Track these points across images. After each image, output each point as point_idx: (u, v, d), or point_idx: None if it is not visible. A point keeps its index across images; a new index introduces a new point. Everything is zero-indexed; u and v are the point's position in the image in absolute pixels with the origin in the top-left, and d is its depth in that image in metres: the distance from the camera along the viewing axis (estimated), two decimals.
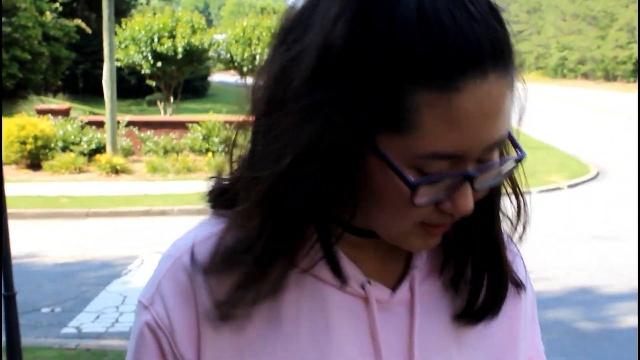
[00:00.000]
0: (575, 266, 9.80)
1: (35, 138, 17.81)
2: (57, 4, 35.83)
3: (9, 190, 11.09)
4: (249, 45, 24.89)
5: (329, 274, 1.02)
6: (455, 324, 1.11)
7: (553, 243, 11.29)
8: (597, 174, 19.14)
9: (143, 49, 22.77)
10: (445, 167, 0.93)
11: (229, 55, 25.18)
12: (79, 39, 34.20)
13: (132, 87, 35.18)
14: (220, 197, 1.06)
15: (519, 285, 1.16)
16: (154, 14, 24.24)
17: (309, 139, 0.91)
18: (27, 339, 6.45)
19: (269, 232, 0.96)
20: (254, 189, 0.96)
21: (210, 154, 18.21)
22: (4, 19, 25.72)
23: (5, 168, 15.94)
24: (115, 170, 17.55)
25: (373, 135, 0.92)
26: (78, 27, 34.69)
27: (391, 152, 0.92)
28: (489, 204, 1.07)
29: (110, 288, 8.84)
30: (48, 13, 32.04)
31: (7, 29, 26.68)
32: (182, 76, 23.17)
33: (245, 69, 25.01)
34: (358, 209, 1.00)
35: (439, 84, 0.88)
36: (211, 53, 25.20)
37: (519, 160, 1.02)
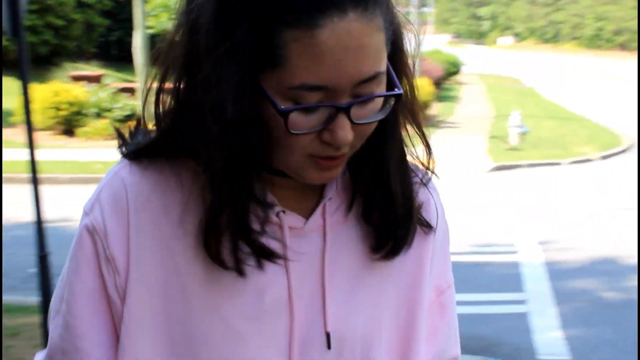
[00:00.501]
0: (602, 237, 9.84)
1: (70, 104, 18.04)
2: None
3: (44, 155, 11.31)
4: None
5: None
6: (366, 253, 1.21)
7: (582, 213, 11.32)
8: (630, 145, 19.05)
9: (174, 16, 22.91)
10: (318, 99, 1.05)
11: None
12: (112, 5, 34.38)
13: None
14: (146, 149, 1.21)
15: (426, 226, 1.26)
16: None
17: (220, 90, 1.05)
18: None
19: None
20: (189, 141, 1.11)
21: None
22: None
23: (40, 134, 16.17)
24: None
25: (256, 75, 1.05)
26: None
27: (270, 87, 1.05)
28: (380, 144, 1.17)
29: None
30: None
31: None
32: None
33: None
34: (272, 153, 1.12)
35: (302, 22, 1.01)
36: None
37: (397, 96, 1.11)
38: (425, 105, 24.06)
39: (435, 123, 23.85)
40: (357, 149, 1.14)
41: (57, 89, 18.25)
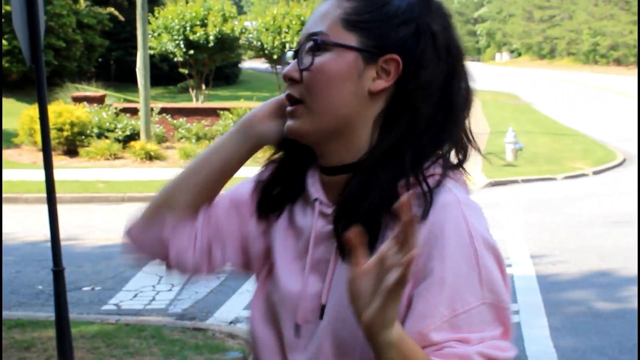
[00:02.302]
0: (594, 250, 10.10)
1: (72, 125, 18.34)
2: None
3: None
4: (279, 33, 25.24)
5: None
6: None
7: (575, 227, 11.59)
8: (624, 160, 19.34)
9: (176, 37, 23.23)
10: None
11: (259, 43, 25.53)
12: (112, 26, 34.73)
13: (164, 74, 35.66)
14: None
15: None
16: (187, 2, 24.65)
17: None
18: (70, 315, 6.89)
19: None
20: None
21: None
22: None
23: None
24: (149, 157, 18.04)
25: None
26: (111, 14, 35.20)
27: None
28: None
29: (147, 269, 9.26)
30: (82, 1, 32.56)
31: None
32: (214, 64, 23.61)
33: (275, 56, 25.35)
34: None
35: None
36: (242, 41, 25.54)
37: (313, 47, 1.44)
38: None
39: None
40: (315, 110, 1.42)
41: (59, 110, 18.55)
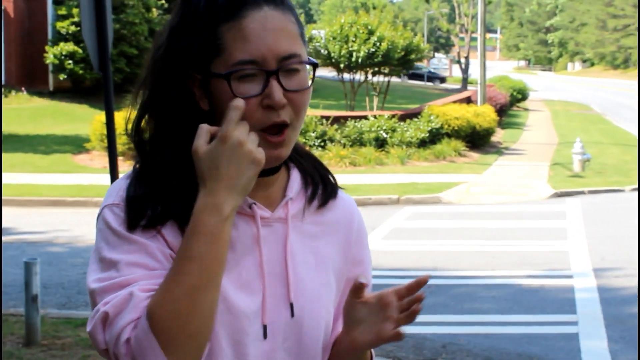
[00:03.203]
0: None
1: None
2: (163, 1, 37.05)
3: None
4: (346, 42, 25.38)
5: None
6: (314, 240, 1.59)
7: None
8: None
9: None
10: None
11: (326, 52, 25.71)
12: None
13: None
14: None
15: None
16: None
17: (169, 92, 1.49)
18: None
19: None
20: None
21: (307, 148, 18.79)
22: (113, 16, 26.82)
23: None
24: None
25: (208, 65, 1.46)
26: None
27: (218, 70, 1.44)
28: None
29: None
30: (154, 10, 33.19)
31: (115, 26, 27.81)
32: None
33: (342, 65, 25.50)
34: None
35: (231, 16, 1.44)
36: (309, 49, 25.69)
37: (313, 65, 1.50)
38: (488, 132, 24.21)
39: (499, 150, 23.99)
40: (297, 130, 1.48)
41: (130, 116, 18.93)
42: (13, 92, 29.47)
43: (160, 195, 1.46)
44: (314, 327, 1.55)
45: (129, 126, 1.57)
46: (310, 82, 1.49)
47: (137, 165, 1.52)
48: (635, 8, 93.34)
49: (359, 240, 1.68)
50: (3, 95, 29.01)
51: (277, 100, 1.43)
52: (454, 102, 26.89)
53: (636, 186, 17.07)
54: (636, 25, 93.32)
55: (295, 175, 1.59)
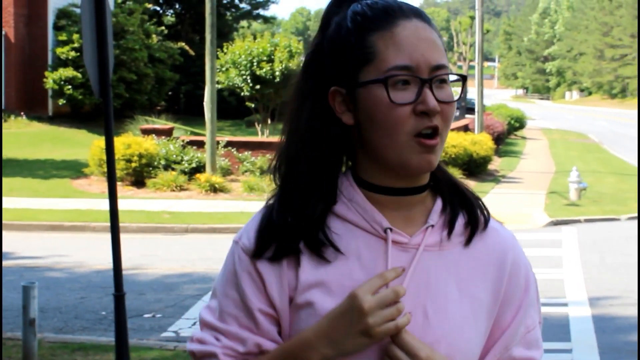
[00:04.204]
0: None
1: (140, 156, 18.80)
2: (163, 27, 37.27)
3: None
4: None
5: (361, 219, 1.51)
6: (455, 276, 1.52)
7: (635, 269, 11.47)
8: None
9: (243, 72, 23.65)
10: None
11: None
12: (182, 61, 35.50)
13: (232, 108, 36.22)
14: None
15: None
16: (254, 38, 25.12)
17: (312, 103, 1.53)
18: (131, 340, 7.12)
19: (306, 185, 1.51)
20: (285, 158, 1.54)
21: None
22: (113, 42, 27.01)
23: None
24: (214, 189, 18.37)
25: (357, 74, 1.48)
26: (182, 49, 36.01)
27: (369, 78, 1.46)
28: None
29: (206, 298, 9.49)
30: (154, 36, 33.40)
31: (115, 51, 27.97)
32: (280, 98, 23.96)
33: None
34: (367, 149, 1.50)
35: (381, 26, 1.48)
36: None
37: (464, 78, 1.53)
38: (485, 160, 24.30)
39: (496, 178, 24.07)
40: (444, 142, 1.48)
41: (129, 142, 19.04)
42: (12, 117, 29.57)
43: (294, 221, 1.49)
44: (448, 358, 1.47)
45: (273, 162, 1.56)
46: (458, 96, 1.51)
47: (270, 201, 1.55)
48: (633, 38, 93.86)
49: (514, 279, 1.57)
50: (2, 120, 29.10)
51: (432, 106, 1.44)
52: (451, 129, 26.99)
53: (633, 215, 17.14)
54: (633, 55, 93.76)
55: (439, 203, 1.55)
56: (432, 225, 1.52)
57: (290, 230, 1.49)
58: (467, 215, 1.55)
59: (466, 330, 1.49)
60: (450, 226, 1.53)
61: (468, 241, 1.54)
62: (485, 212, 1.58)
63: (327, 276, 1.48)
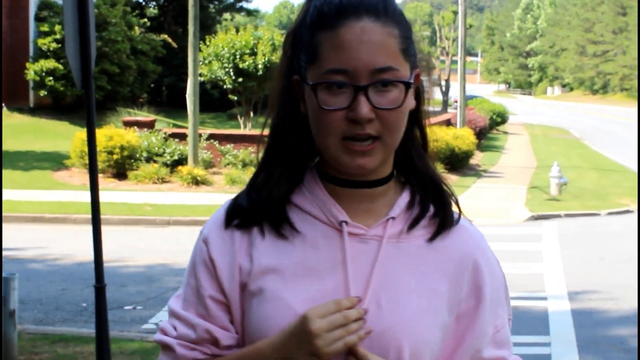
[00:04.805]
0: (632, 287, 10.07)
1: (122, 148, 18.75)
2: (146, 19, 37.14)
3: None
4: None
5: (319, 211, 1.52)
6: (422, 265, 1.52)
7: (615, 264, 11.57)
8: None
9: (226, 65, 23.60)
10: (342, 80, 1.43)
11: None
12: (165, 53, 35.39)
13: (214, 100, 36.17)
14: None
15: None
16: (237, 31, 25.07)
17: (281, 94, 1.54)
18: (111, 332, 7.11)
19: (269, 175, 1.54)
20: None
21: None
22: (95, 34, 26.90)
23: None
24: (196, 182, 18.35)
25: (305, 70, 1.47)
26: (164, 41, 35.90)
27: (311, 77, 1.45)
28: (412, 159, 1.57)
29: None
30: (137, 28, 33.27)
31: (97, 43, 27.85)
32: (262, 92, 23.95)
33: None
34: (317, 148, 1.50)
35: (329, 25, 1.44)
36: None
37: (407, 84, 1.45)
38: (467, 154, 24.39)
39: (477, 172, 24.16)
40: (390, 145, 1.45)
41: (110, 134, 18.98)
42: None
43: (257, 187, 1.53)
44: (398, 349, 1.46)
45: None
46: (402, 101, 1.44)
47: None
48: (615, 34, 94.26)
49: (477, 276, 1.56)
50: None
51: (361, 115, 1.41)
52: (433, 124, 26.91)
53: (613, 210, 17.27)
54: (615, 51, 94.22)
55: (405, 196, 1.55)
56: (393, 218, 1.52)
57: (253, 207, 1.52)
58: (436, 210, 1.55)
59: (421, 320, 1.48)
60: (413, 220, 1.53)
61: (433, 236, 1.53)
62: (458, 210, 1.58)
63: (282, 263, 1.49)
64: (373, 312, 1.46)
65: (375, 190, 1.52)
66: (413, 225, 1.53)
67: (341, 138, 1.43)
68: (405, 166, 1.56)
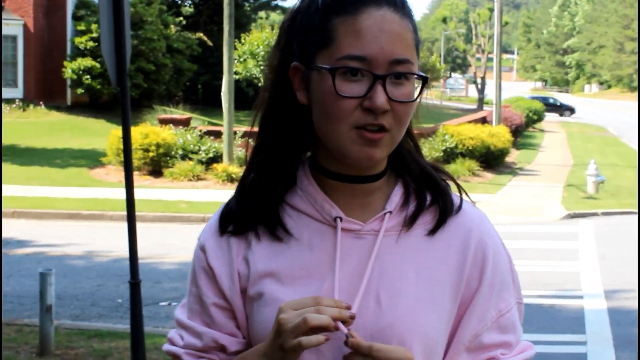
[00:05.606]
0: None
1: (158, 146, 18.88)
2: (181, 18, 37.32)
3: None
4: None
5: (312, 208, 1.49)
6: (419, 257, 1.48)
7: None
8: None
9: (261, 62, 23.70)
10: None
11: None
12: (200, 51, 35.54)
13: (249, 98, 36.22)
14: None
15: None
16: (272, 28, 25.16)
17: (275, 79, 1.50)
18: (146, 328, 7.16)
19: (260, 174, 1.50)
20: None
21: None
22: (131, 32, 27.11)
23: None
24: (231, 179, 18.42)
25: (314, 56, 1.42)
26: (200, 39, 36.05)
27: (323, 62, 1.40)
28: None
29: None
30: (172, 26, 33.45)
31: (133, 42, 28.06)
32: None
33: None
34: (317, 135, 1.46)
35: (347, 10, 1.40)
36: None
37: (424, 79, 1.43)
38: (503, 152, 24.24)
39: (513, 170, 24.00)
40: (396, 138, 1.42)
41: (146, 131, 19.12)
42: (31, 106, 29.74)
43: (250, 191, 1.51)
44: (402, 343, 1.43)
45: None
46: (416, 95, 1.42)
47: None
48: None
49: (479, 259, 1.51)
50: (21, 109, 29.27)
51: (378, 105, 1.37)
52: (469, 122, 26.95)
53: None
54: None
55: (398, 189, 1.51)
56: (390, 212, 1.48)
57: (246, 212, 1.50)
58: (433, 199, 1.50)
59: (423, 313, 1.44)
60: (411, 212, 1.49)
61: (435, 227, 1.50)
62: (457, 197, 1.53)
63: (278, 266, 1.47)
64: (372, 309, 1.43)
65: (371, 185, 1.49)
66: (412, 217, 1.49)
67: (353, 127, 1.39)
68: (395, 160, 1.53)
